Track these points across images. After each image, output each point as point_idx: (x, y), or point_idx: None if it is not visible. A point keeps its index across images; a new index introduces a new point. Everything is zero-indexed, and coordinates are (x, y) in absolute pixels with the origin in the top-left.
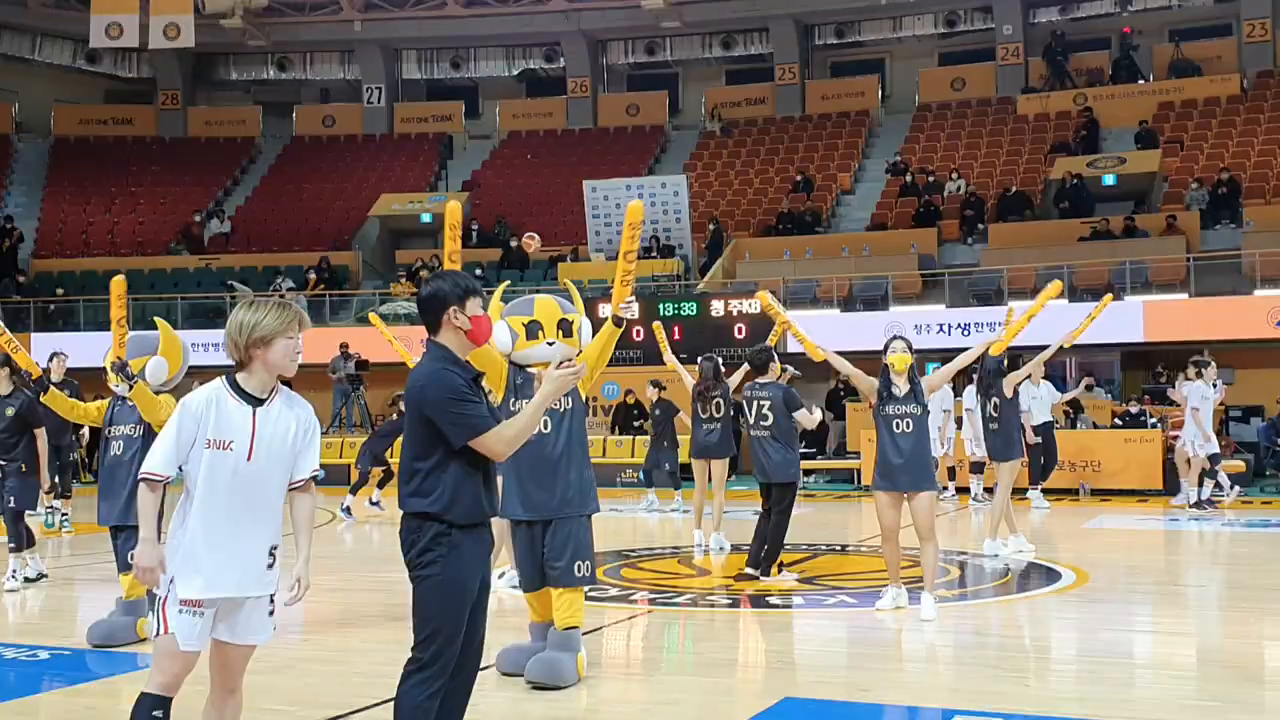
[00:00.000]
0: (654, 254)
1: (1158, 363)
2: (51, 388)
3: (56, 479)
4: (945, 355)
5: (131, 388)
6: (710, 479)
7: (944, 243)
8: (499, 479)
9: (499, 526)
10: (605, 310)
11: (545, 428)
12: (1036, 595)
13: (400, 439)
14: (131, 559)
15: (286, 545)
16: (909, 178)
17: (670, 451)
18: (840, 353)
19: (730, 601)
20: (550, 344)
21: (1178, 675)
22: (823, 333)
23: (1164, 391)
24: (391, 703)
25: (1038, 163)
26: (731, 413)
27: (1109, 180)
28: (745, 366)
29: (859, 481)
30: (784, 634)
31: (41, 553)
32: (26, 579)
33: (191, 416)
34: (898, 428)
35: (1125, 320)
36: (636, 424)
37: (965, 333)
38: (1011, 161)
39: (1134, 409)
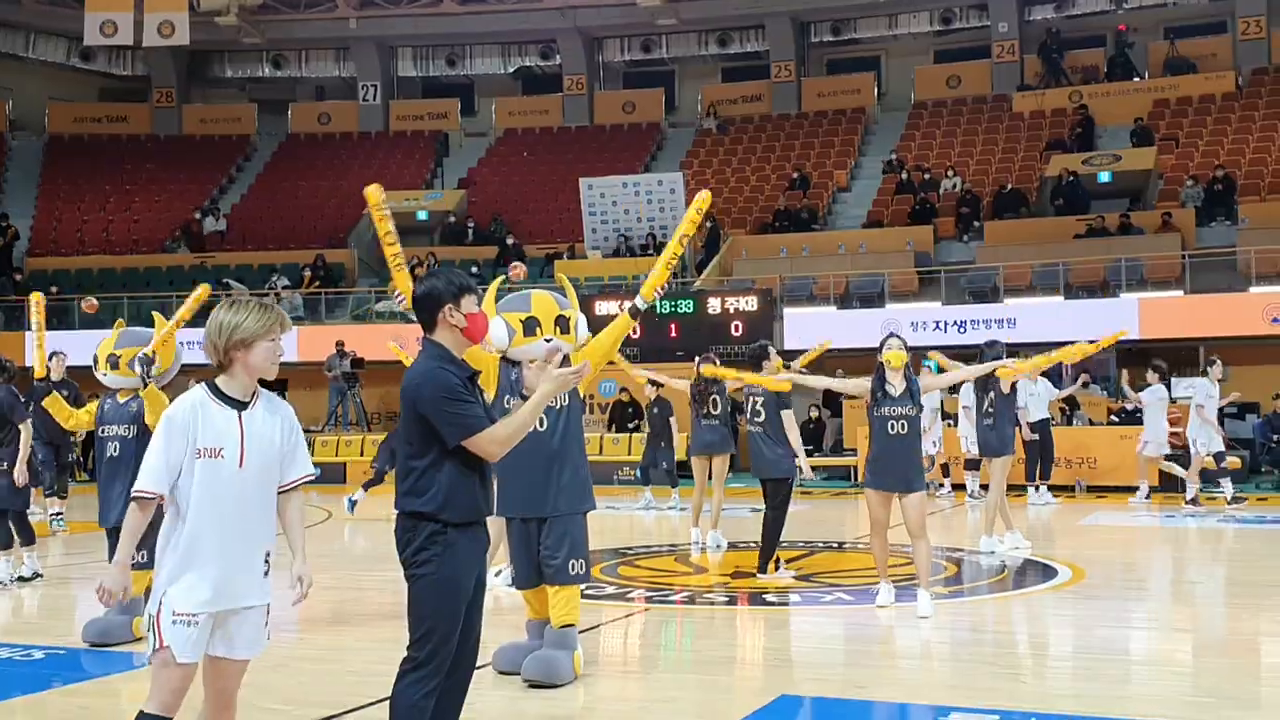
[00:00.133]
0: (650, 251)
1: (1154, 360)
2: (54, 392)
3: (52, 477)
4: (943, 353)
5: (145, 385)
6: (710, 476)
7: (940, 240)
8: (494, 477)
9: (495, 524)
10: (601, 308)
11: (542, 424)
12: (1033, 592)
13: None
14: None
15: (278, 548)
16: (905, 175)
17: (667, 450)
18: (837, 350)
19: (727, 599)
20: (548, 340)
21: (1174, 671)
22: (819, 330)
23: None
24: (387, 701)
25: (1033, 160)
26: (729, 409)
27: (1104, 177)
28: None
29: (856, 478)
30: (781, 631)
31: (38, 552)
32: (21, 578)
33: (179, 429)
34: (892, 429)
35: (1121, 318)
36: (631, 425)
37: (961, 330)
38: (1007, 159)
39: (1129, 406)
